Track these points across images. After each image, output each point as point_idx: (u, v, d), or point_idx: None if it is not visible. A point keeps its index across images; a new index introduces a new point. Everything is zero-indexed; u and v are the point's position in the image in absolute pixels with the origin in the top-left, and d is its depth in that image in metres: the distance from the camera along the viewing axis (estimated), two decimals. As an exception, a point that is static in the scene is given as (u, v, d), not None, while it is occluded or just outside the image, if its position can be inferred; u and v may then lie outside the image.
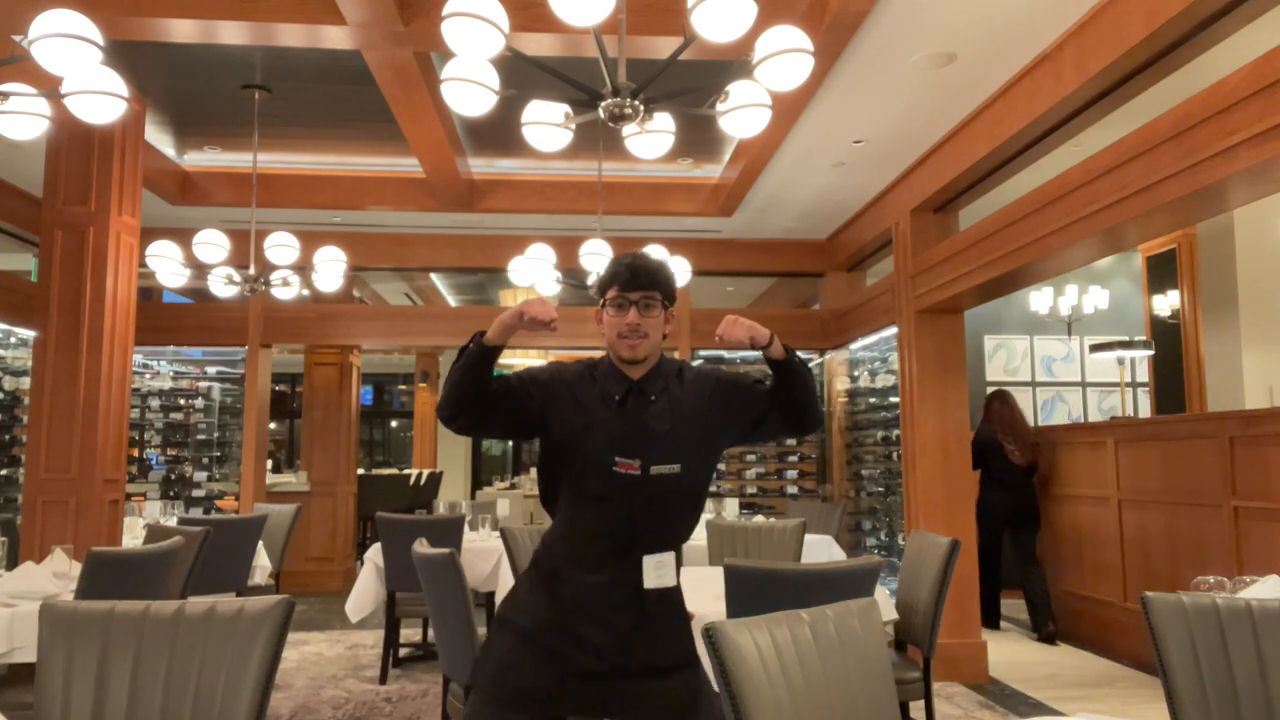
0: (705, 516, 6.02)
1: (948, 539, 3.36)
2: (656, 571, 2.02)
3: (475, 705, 2.05)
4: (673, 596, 2.09)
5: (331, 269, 5.31)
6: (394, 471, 13.46)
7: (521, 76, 3.13)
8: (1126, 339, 7.92)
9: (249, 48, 4.48)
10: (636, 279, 2.05)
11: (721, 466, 8.00)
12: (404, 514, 5.50)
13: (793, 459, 8.10)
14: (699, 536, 5.33)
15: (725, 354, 8.01)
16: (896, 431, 6.33)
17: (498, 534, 5.09)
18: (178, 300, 8.65)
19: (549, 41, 4.00)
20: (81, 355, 4.82)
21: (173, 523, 4.87)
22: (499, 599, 5.28)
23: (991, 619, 6.44)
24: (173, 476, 7.87)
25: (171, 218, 6.81)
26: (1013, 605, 7.50)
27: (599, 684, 2.01)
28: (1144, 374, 8.64)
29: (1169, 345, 7.55)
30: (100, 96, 2.86)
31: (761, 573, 2.72)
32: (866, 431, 7.28)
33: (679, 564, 2.11)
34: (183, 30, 4.05)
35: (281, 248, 5.13)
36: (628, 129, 3.03)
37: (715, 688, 1.81)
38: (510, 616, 2.10)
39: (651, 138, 3.16)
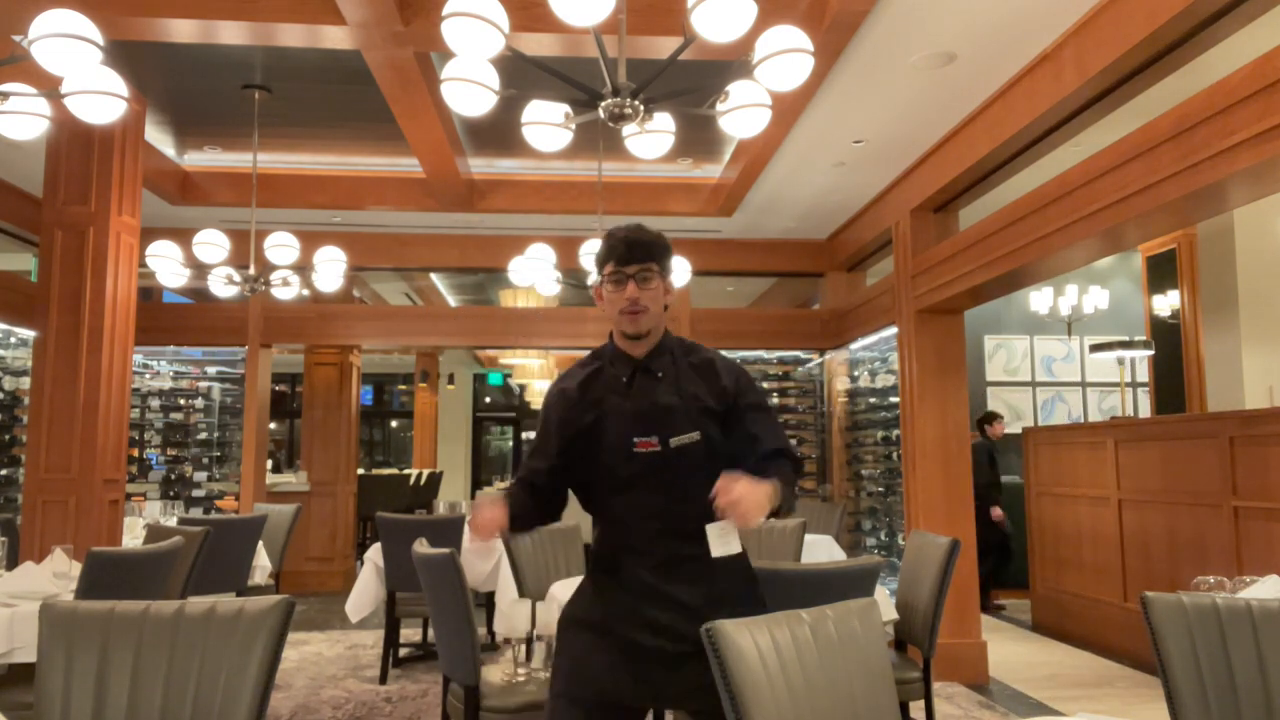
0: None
1: (948, 539, 3.36)
2: (722, 540, 2.00)
3: (554, 709, 2.03)
4: (742, 564, 2.08)
5: (331, 269, 5.31)
6: (394, 471, 13.47)
7: (521, 76, 3.13)
8: (1126, 339, 7.92)
9: (249, 48, 4.48)
10: (632, 252, 2.05)
11: (721, 466, 8.00)
12: (404, 514, 5.50)
13: (793, 459, 8.08)
14: (699, 536, 5.32)
15: (725, 353, 8.00)
16: (896, 431, 6.33)
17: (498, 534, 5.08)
18: (178, 300, 8.65)
19: (549, 41, 4.00)
20: (81, 355, 4.82)
21: (173, 523, 4.87)
22: (499, 599, 5.29)
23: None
24: (173, 476, 7.87)
25: (171, 218, 6.81)
26: (1013, 605, 7.51)
27: (679, 668, 1.96)
28: (1144, 374, 8.64)
29: (1169, 345, 7.55)
30: (100, 96, 2.86)
31: (761, 573, 2.72)
32: (866, 431, 7.28)
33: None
34: (183, 30, 4.05)
35: (281, 248, 5.13)
36: (628, 129, 3.03)
37: None
38: (578, 615, 2.09)
39: (651, 138, 3.16)
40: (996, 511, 7.18)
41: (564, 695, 2.02)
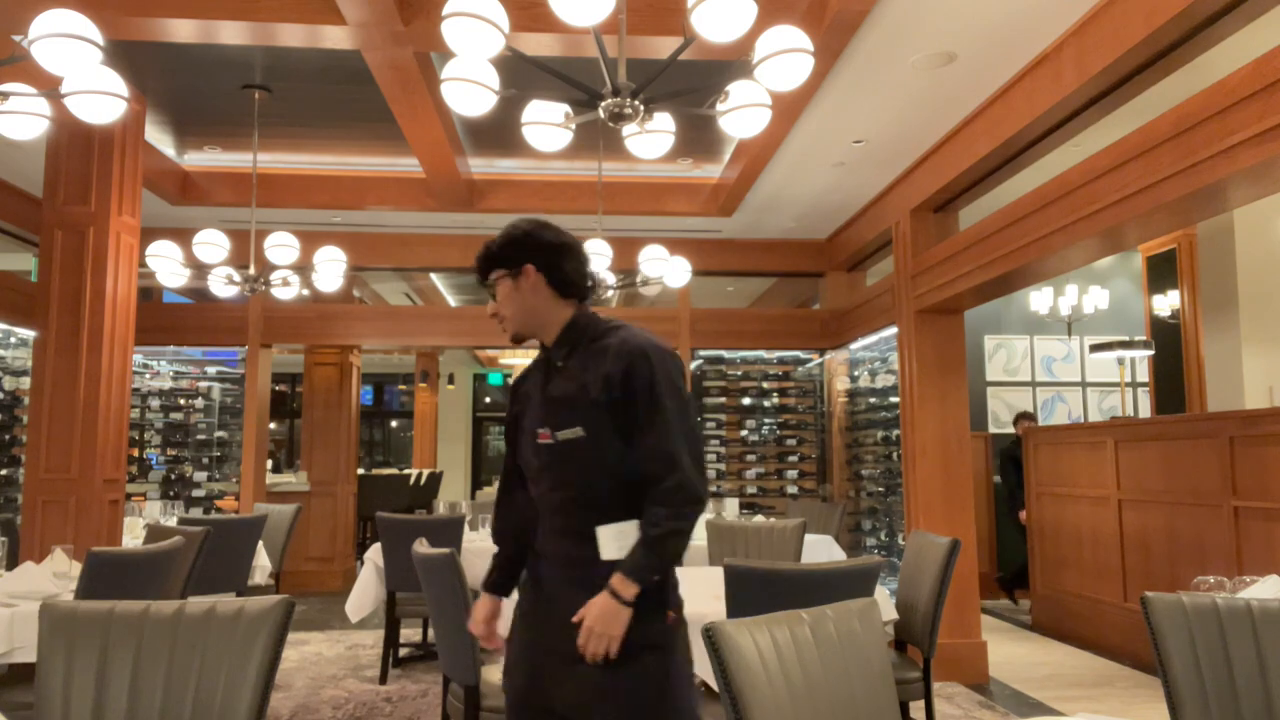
0: (705, 516, 6.02)
1: (948, 539, 3.36)
2: (617, 544, 1.92)
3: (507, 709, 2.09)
4: None
5: (331, 269, 5.31)
6: (394, 471, 13.46)
7: (521, 76, 3.13)
8: (1126, 339, 7.93)
9: (249, 48, 4.48)
10: (479, 269, 2.07)
11: (721, 466, 8.01)
12: (404, 514, 5.50)
13: (793, 459, 8.10)
14: (699, 536, 5.32)
15: (725, 353, 8.02)
16: (896, 431, 6.33)
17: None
18: (178, 300, 8.64)
19: (549, 41, 4.00)
20: (81, 355, 4.82)
21: (173, 523, 4.87)
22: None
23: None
24: (173, 476, 7.87)
25: (171, 218, 6.81)
26: (1012, 605, 7.51)
27: (569, 675, 1.92)
28: (1144, 374, 8.64)
29: (1169, 345, 7.55)
30: (100, 96, 2.86)
31: (761, 573, 2.72)
32: (866, 431, 7.28)
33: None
34: (183, 30, 4.05)
35: (281, 248, 5.13)
36: (628, 129, 3.03)
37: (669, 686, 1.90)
38: (514, 614, 2.12)
39: (651, 138, 3.16)
40: (1024, 514, 7.14)
41: (504, 694, 2.11)
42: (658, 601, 1.93)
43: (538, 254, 2.02)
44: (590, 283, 2.11)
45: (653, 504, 1.91)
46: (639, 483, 1.93)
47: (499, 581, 2.21)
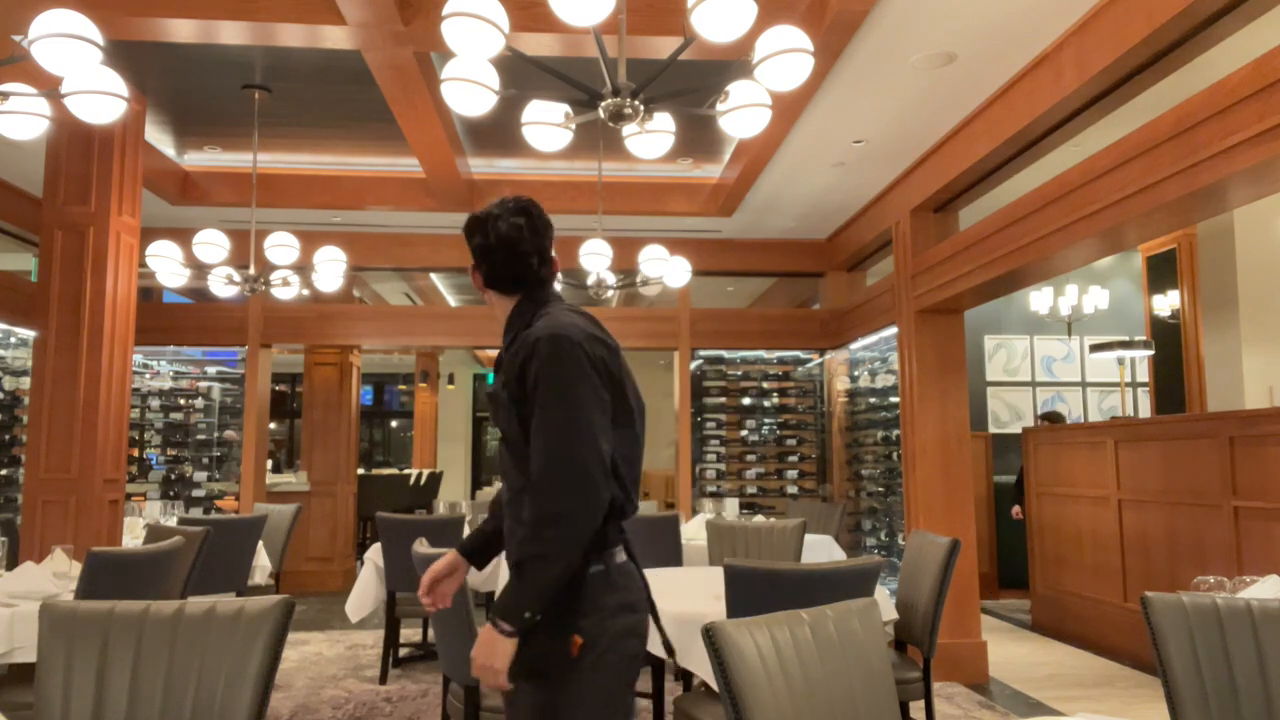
0: (705, 516, 6.03)
1: (948, 539, 3.36)
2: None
3: None
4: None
5: (331, 269, 5.31)
6: (394, 471, 13.46)
7: (521, 76, 3.13)
8: (1126, 339, 7.93)
9: (249, 48, 4.48)
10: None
11: (721, 466, 8.01)
12: (404, 514, 5.51)
13: (793, 459, 8.10)
14: (699, 536, 5.33)
15: (725, 353, 8.02)
16: (896, 431, 6.33)
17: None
18: (178, 300, 8.64)
19: (549, 41, 4.00)
20: (81, 355, 4.82)
21: (173, 523, 4.87)
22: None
23: None
24: (173, 476, 7.87)
25: (171, 218, 6.81)
26: (1013, 604, 7.51)
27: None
28: (1144, 374, 8.64)
29: (1169, 345, 7.55)
30: (100, 96, 2.86)
31: (761, 573, 2.72)
32: (866, 431, 7.28)
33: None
34: (183, 30, 4.05)
35: (281, 248, 5.13)
36: (628, 129, 3.03)
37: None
38: None
39: (651, 138, 3.16)
40: (1016, 509, 7.24)
41: None
42: (556, 625, 1.71)
43: (476, 255, 1.98)
44: (535, 263, 1.94)
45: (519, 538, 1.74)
46: None
47: (472, 548, 2.07)
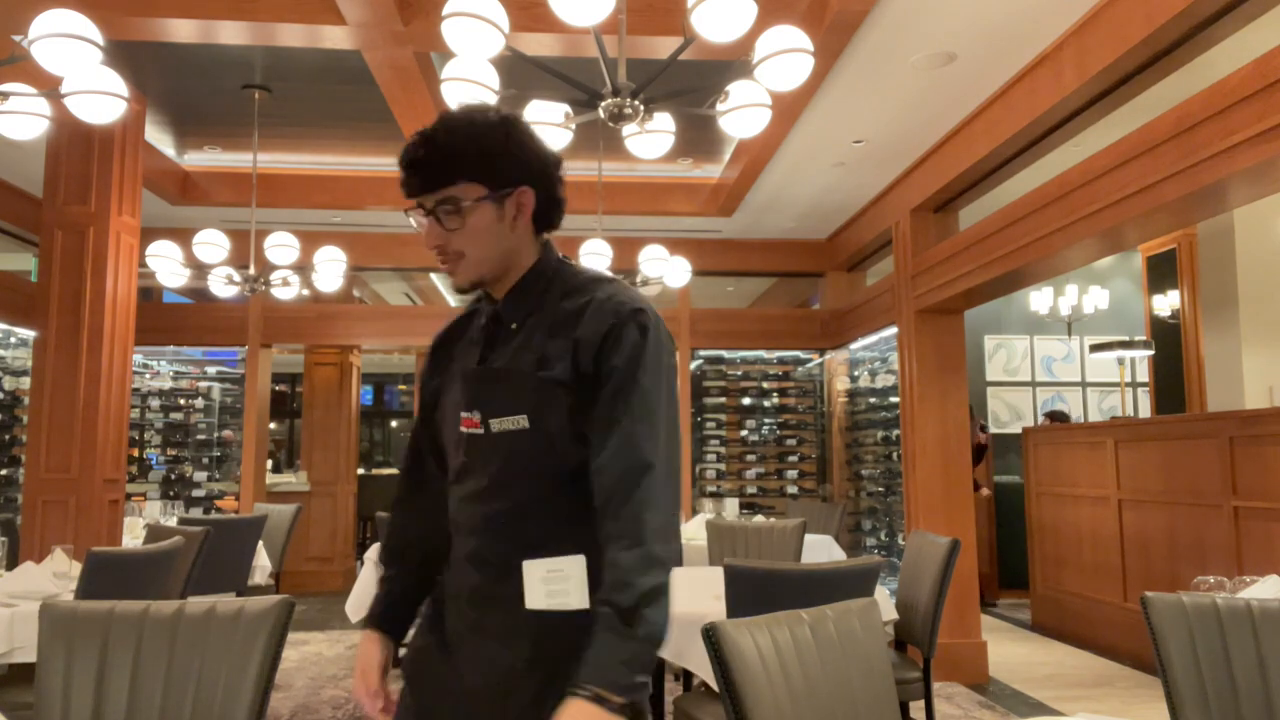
0: (705, 516, 6.02)
1: (948, 539, 3.36)
2: (546, 585, 1.35)
3: None
4: (575, 631, 1.29)
5: (331, 269, 5.31)
6: (394, 471, 13.45)
7: (521, 76, 3.13)
8: (1126, 339, 7.93)
9: (249, 48, 4.48)
10: (416, 175, 1.39)
11: (721, 466, 8.00)
12: (404, 514, 5.49)
13: (793, 459, 8.10)
14: (699, 536, 5.32)
15: (725, 353, 8.02)
16: (896, 431, 6.33)
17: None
18: (178, 300, 8.64)
19: (549, 41, 4.00)
20: (81, 355, 4.82)
21: (173, 523, 4.87)
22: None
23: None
24: (173, 476, 7.87)
25: (171, 218, 6.81)
26: (1013, 605, 7.51)
27: None
28: (1144, 374, 8.64)
29: (1169, 345, 7.55)
30: (100, 96, 2.86)
31: (761, 573, 2.72)
32: (866, 431, 7.28)
33: (593, 575, 1.34)
34: (183, 30, 4.05)
35: (281, 248, 5.13)
36: (628, 129, 3.04)
37: None
38: (404, 671, 1.56)
39: (651, 138, 3.16)
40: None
41: None
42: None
43: (537, 168, 1.41)
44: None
45: (614, 547, 1.29)
46: (590, 503, 1.34)
47: (389, 615, 1.58)
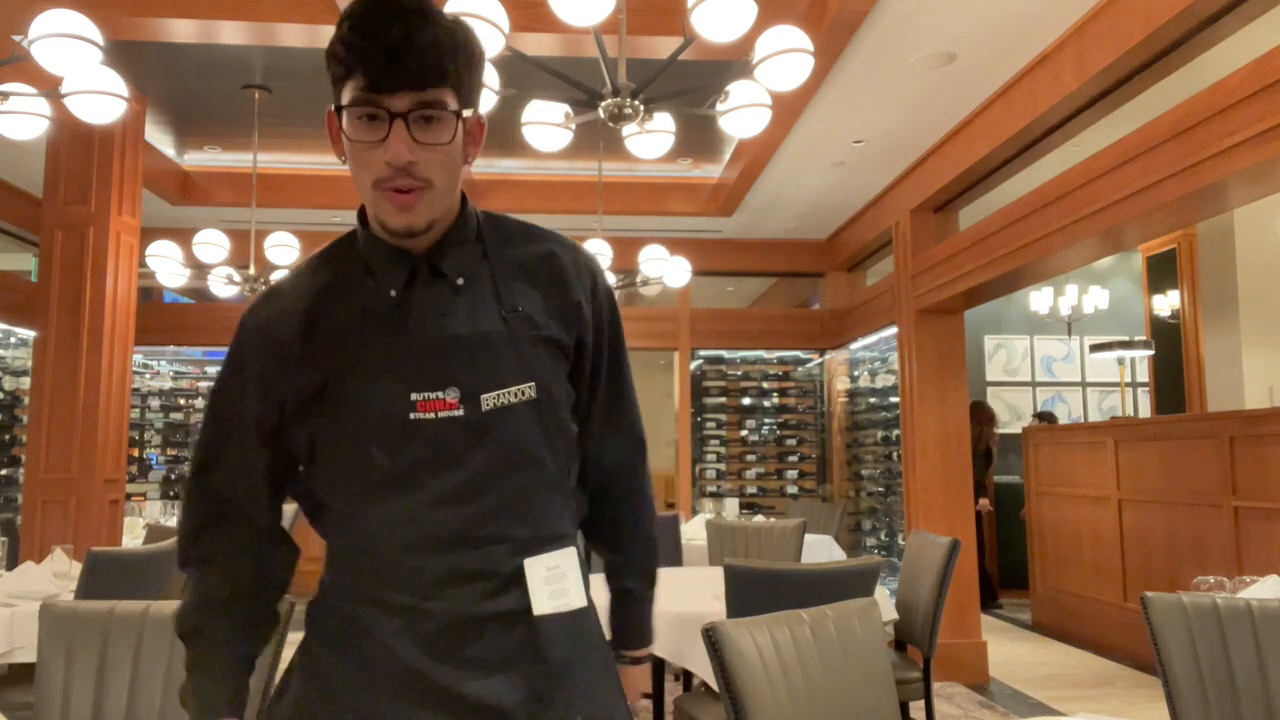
0: (705, 516, 6.02)
1: (948, 539, 3.36)
2: (549, 586, 1.16)
3: None
4: (585, 625, 1.20)
5: (331, 269, 5.30)
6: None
7: (521, 76, 3.13)
8: (1126, 339, 7.93)
9: (249, 48, 4.48)
10: (400, 62, 1.05)
11: (722, 466, 8.00)
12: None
13: (793, 459, 8.10)
14: (699, 536, 5.31)
15: (725, 353, 8.02)
16: (896, 431, 6.33)
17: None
18: (178, 300, 8.64)
19: (549, 41, 4.00)
20: (81, 355, 4.82)
21: (173, 523, 4.87)
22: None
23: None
24: (173, 476, 7.87)
25: (171, 218, 6.81)
26: (1013, 605, 7.51)
27: None
28: (1144, 374, 8.64)
29: (1169, 345, 7.55)
30: (100, 96, 2.86)
31: (761, 573, 2.72)
32: (866, 431, 7.28)
33: (584, 567, 1.22)
34: (183, 30, 4.05)
35: (281, 248, 5.14)
36: (628, 129, 3.04)
37: None
38: (308, 680, 1.17)
39: (651, 138, 3.17)
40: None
41: None
42: (611, 670, 1.30)
43: (465, 80, 1.13)
44: None
45: (632, 528, 1.36)
46: (572, 482, 1.24)
47: (241, 700, 1.18)
